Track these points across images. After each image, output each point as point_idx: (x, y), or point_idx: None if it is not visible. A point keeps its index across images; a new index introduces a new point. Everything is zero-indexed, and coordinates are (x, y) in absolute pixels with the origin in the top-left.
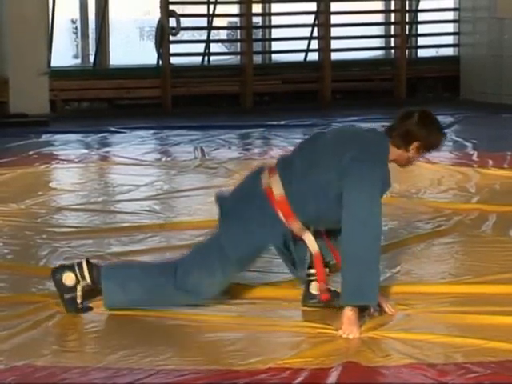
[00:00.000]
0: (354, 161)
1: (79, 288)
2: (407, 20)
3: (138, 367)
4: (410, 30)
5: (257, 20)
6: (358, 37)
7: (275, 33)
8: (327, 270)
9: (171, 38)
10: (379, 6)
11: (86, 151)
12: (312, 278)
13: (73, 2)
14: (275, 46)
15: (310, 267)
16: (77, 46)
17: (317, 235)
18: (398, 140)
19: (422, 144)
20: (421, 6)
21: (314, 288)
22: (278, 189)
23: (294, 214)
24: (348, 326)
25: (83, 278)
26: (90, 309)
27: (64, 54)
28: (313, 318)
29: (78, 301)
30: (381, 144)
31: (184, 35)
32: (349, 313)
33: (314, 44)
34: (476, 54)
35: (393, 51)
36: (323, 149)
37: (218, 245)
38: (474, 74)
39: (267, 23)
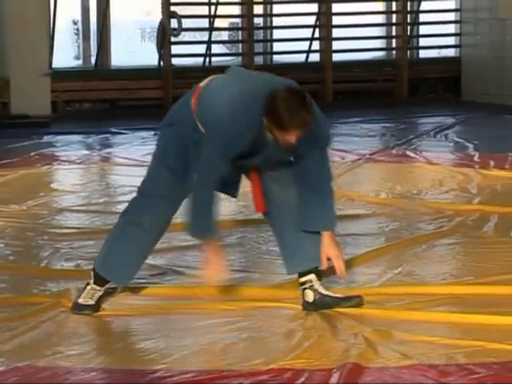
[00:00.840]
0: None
1: (88, 288)
2: (408, 21)
3: (139, 368)
4: (412, 30)
5: (258, 21)
6: (360, 38)
7: (276, 34)
8: (314, 276)
9: (172, 38)
10: (380, 7)
11: (87, 152)
12: (304, 286)
13: (74, 3)
14: (276, 47)
15: (301, 275)
16: (78, 47)
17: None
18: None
19: (267, 119)
20: (422, 7)
21: (307, 295)
22: (203, 82)
23: (197, 107)
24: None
25: (90, 277)
26: (92, 308)
27: (65, 55)
28: (314, 319)
29: (81, 298)
30: (259, 100)
31: (185, 36)
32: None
33: (316, 45)
34: (477, 54)
35: (394, 52)
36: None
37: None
38: (476, 74)
39: (268, 24)
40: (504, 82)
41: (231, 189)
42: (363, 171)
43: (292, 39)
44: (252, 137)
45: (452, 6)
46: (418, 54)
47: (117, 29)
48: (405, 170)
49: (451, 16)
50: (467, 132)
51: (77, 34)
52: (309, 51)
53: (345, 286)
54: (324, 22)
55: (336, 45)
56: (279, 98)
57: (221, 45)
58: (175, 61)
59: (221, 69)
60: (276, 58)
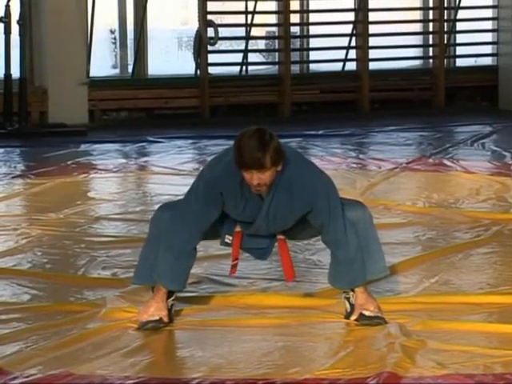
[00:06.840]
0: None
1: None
2: (445, 29)
3: (176, 376)
4: (449, 39)
5: (295, 30)
6: (396, 46)
7: (313, 42)
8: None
9: (209, 47)
10: (417, 15)
11: (124, 161)
12: (346, 295)
13: (112, 13)
14: (313, 55)
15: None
16: (115, 56)
17: None
18: None
19: None
20: (459, 16)
21: (345, 305)
22: None
23: None
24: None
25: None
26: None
27: (103, 64)
28: (350, 328)
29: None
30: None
31: (222, 45)
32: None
33: (352, 54)
34: None
35: (431, 61)
36: None
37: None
38: None
39: (305, 33)
40: None
41: (256, 251)
42: (400, 180)
43: (328, 48)
44: (231, 188)
45: (489, 14)
46: (455, 62)
47: (154, 38)
48: (441, 178)
49: (488, 24)
50: (504, 141)
51: (114, 43)
52: (345, 60)
53: (381, 295)
54: (361, 30)
55: (373, 53)
56: (238, 139)
57: (257, 54)
58: (212, 70)
59: (257, 77)
60: (312, 66)
